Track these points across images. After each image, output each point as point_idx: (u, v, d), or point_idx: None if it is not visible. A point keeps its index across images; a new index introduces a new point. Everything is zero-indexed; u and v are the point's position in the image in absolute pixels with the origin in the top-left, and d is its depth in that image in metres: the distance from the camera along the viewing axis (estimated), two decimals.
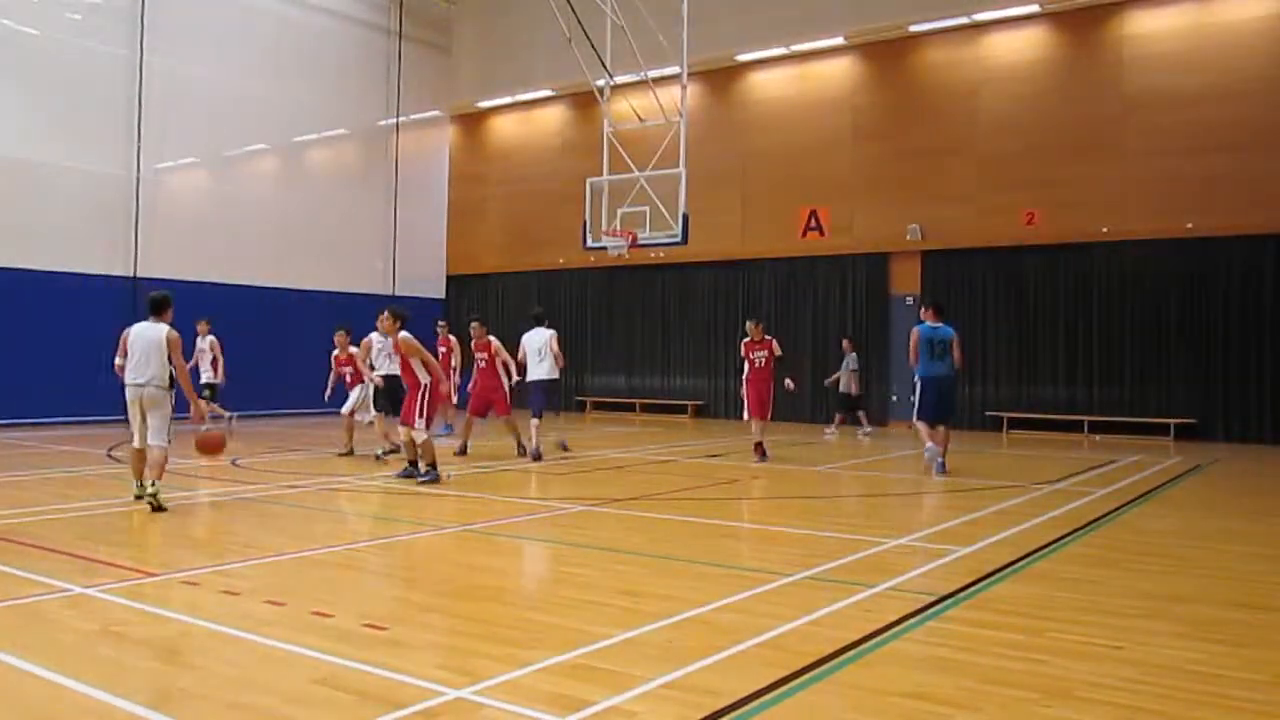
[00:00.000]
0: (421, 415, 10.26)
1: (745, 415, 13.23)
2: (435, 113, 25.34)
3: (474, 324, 13.28)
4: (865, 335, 19.96)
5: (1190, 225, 16.83)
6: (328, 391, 14.04)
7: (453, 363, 15.87)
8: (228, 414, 16.21)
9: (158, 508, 8.08)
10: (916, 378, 11.70)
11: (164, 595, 5.50)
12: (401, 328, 10.60)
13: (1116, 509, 9.02)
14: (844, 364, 17.38)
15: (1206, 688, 4.07)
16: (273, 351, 19.37)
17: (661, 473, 11.86)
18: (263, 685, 3.97)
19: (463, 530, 7.79)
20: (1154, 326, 17.26)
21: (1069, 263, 18.01)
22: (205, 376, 15.46)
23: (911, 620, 5.01)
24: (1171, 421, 16.80)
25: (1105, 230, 17.57)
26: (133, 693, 3.84)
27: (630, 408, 22.85)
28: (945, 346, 11.60)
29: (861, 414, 17.44)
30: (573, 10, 15.75)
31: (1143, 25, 17.55)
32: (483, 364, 13.25)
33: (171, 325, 8.56)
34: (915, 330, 11.75)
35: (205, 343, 15.62)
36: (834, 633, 4.76)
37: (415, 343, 10.42)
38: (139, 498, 8.44)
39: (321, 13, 22.14)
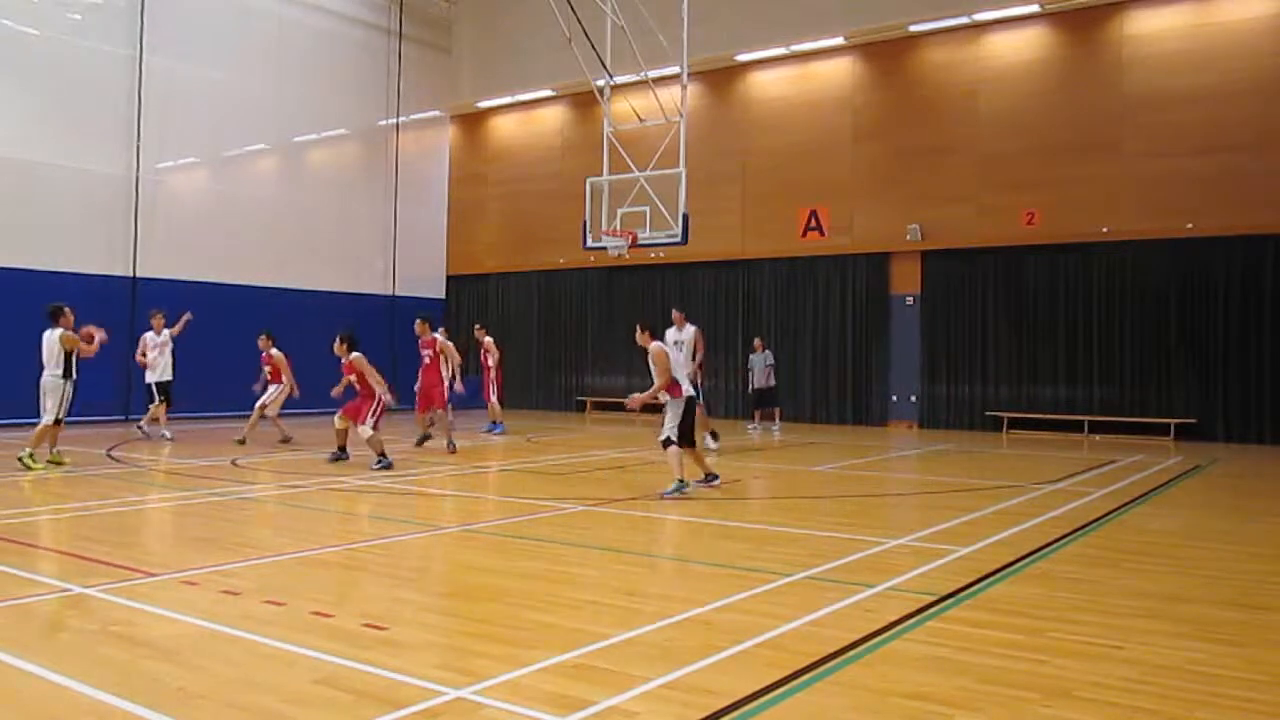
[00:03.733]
0: (373, 415, 11.68)
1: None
2: (435, 113, 25.33)
3: (419, 321, 14.49)
4: (865, 335, 19.99)
5: (1190, 225, 16.82)
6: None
7: (489, 362, 16.93)
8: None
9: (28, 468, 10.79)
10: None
11: (164, 595, 5.50)
12: (352, 348, 11.83)
13: (1116, 509, 9.02)
14: (752, 362, 18.11)
15: (1206, 688, 4.07)
16: None
17: (661, 473, 11.81)
18: (263, 685, 3.97)
19: (463, 530, 7.80)
20: (1154, 326, 17.25)
21: (1069, 263, 18.00)
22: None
23: (911, 620, 5.01)
24: (1171, 421, 16.80)
25: (1105, 230, 17.57)
26: (133, 693, 3.84)
27: None
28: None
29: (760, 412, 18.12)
30: (573, 10, 15.75)
31: (1143, 25, 17.54)
32: (427, 360, 14.07)
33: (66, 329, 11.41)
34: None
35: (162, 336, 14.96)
36: (834, 633, 4.76)
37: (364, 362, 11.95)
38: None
39: (321, 13, 22.13)
